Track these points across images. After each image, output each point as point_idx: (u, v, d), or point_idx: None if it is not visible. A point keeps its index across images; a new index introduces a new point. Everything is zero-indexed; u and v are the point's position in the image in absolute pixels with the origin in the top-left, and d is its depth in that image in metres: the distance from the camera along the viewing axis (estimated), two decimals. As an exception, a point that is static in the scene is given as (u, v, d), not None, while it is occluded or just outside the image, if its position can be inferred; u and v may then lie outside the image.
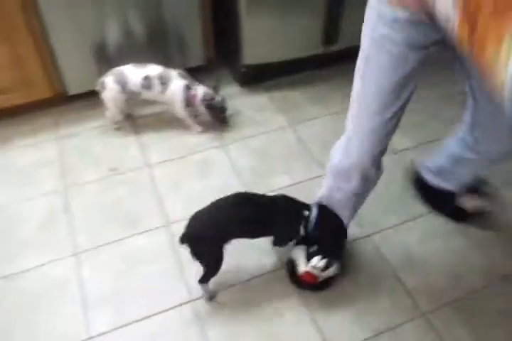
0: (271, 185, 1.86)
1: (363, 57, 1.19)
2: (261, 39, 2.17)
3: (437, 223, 1.77)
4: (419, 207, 1.82)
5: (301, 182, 1.89)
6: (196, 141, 2.08)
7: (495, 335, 1.46)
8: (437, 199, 1.81)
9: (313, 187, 1.87)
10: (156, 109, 2.18)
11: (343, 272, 1.57)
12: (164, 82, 1.96)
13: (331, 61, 2.35)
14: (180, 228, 1.39)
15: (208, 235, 1.39)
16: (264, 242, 1.54)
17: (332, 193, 1.49)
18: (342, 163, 1.38)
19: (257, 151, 2.03)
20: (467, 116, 1.49)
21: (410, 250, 1.68)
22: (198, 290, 1.51)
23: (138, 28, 2.06)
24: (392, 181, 1.83)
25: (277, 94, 2.32)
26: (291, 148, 2.05)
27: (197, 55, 2.26)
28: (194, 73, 2.10)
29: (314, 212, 1.45)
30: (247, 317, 1.50)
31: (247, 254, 1.63)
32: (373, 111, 1.23)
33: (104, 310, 1.51)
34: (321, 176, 1.56)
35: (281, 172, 1.94)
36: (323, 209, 1.47)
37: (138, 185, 1.89)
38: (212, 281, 1.48)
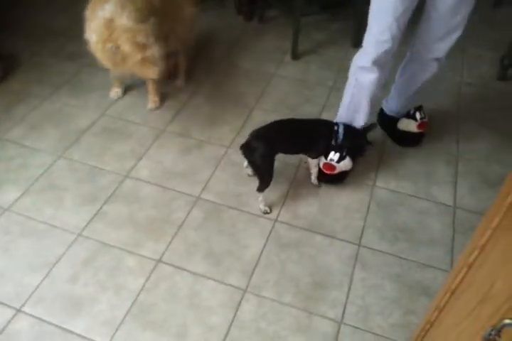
0: None
1: None
2: None
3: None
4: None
5: None
6: None
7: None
8: (386, 125, 2.25)
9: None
10: None
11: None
12: None
13: None
14: None
15: (260, 148, 1.76)
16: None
17: (353, 98, 1.92)
18: (363, 63, 1.80)
19: None
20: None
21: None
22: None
23: None
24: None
25: None
26: None
27: None
28: None
29: (341, 127, 1.93)
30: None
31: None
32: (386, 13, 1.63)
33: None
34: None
35: None
36: (346, 125, 1.96)
37: None
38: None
